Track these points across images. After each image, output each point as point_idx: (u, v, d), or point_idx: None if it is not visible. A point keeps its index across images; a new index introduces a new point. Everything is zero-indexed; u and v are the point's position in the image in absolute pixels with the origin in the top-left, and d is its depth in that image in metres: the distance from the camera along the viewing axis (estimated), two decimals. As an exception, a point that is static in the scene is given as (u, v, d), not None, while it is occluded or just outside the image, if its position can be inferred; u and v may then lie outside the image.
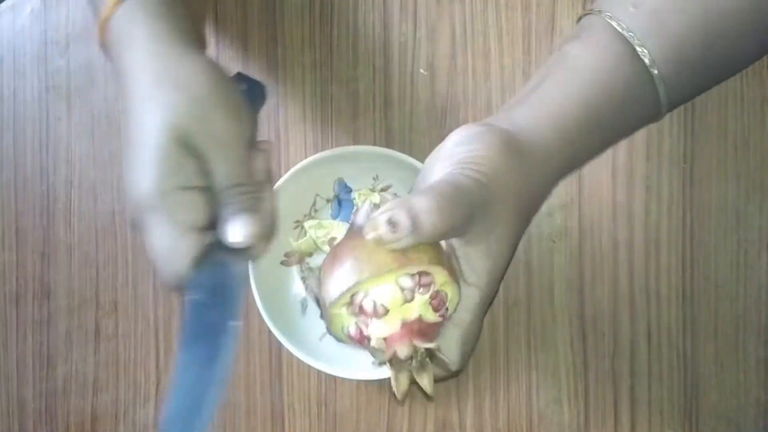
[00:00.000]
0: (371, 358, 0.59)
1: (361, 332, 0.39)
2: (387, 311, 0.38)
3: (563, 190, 0.61)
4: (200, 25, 0.50)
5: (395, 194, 0.60)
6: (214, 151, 0.41)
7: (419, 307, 0.38)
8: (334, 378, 0.62)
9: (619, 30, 0.42)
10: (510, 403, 0.61)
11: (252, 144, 0.44)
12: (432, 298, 0.38)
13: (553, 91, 0.42)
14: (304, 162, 0.57)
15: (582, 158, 0.43)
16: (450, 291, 0.38)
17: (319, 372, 0.62)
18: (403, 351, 0.38)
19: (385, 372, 0.57)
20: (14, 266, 0.66)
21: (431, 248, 0.38)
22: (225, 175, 0.41)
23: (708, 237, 0.60)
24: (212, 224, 0.43)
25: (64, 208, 0.65)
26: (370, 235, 0.36)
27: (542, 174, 0.41)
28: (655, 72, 0.41)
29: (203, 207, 0.42)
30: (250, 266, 0.58)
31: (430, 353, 0.38)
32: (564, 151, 0.41)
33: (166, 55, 0.42)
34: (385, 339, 0.39)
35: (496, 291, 0.40)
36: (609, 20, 0.42)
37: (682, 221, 0.60)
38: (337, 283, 0.38)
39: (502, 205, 0.38)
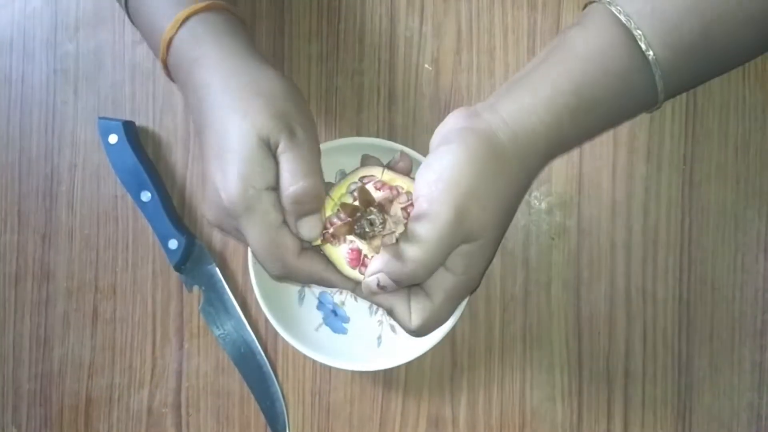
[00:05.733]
0: (366, 349, 0.59)
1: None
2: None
3: (563, 189, 0.61)
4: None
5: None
6: (292, 149, 0.44)
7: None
8: (329, 369, 0.62)
9: (618, 15, 0.43)
10: (503, 399, 0.61)
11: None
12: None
13: (547, 73, 0.43)
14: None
15: (570, 142, 0.45)
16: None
17: (313, 363, 0.62)
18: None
19: (379, 363, 0.58)
20: (15, 247, 0.66)
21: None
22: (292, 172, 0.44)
23: (706, 240, 0.60)
24: None
25: (67, 191, 0.66)
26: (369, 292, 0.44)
27: (524, 163, 0.43)
28: (651, 55, 0.42)
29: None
30: (250, 257, 0.59)
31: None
32: (552, 134, 0.43)
33: (244, 69, 0.45)
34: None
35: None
36: (608, 6, 0.44)
37: (680, 223, 0.60)
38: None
39: (483, 214, 0.42)
